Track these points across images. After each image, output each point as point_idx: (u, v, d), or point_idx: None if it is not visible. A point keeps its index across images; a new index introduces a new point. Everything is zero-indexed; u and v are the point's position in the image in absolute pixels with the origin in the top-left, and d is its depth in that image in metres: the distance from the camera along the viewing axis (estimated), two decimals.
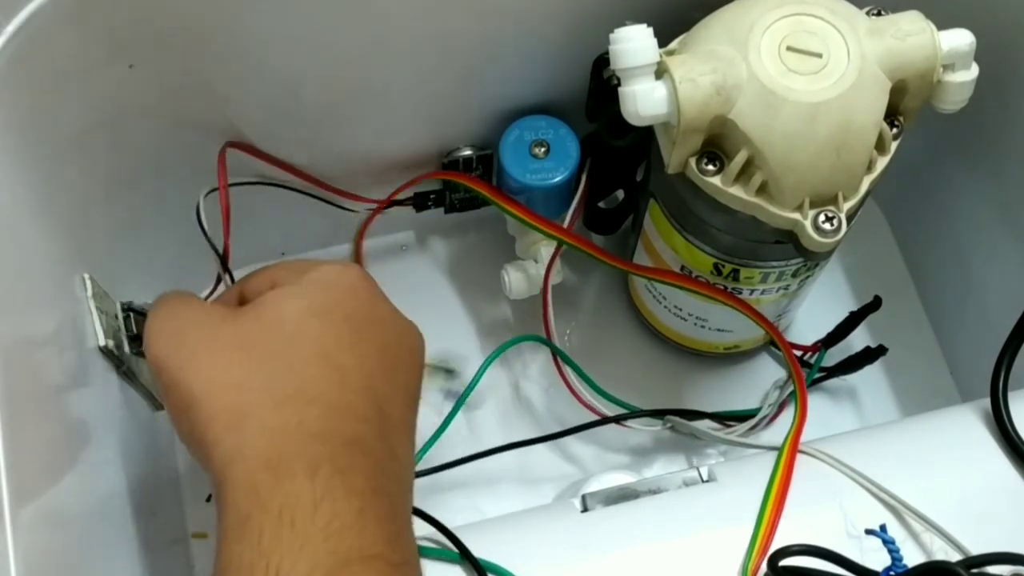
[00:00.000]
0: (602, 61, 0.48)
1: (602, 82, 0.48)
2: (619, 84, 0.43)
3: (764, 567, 0.41)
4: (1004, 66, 0.49)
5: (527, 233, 0.56)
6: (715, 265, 0.50)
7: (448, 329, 0.61)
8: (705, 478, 0.46)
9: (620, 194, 0.57)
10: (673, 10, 0.46)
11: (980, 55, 0.43)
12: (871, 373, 0.60)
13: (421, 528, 0.43)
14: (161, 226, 0.52)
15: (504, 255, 0.58)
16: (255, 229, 0.54)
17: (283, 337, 0.37)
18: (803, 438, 0.46)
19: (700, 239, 0.49)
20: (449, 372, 0.59)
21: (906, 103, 0.44)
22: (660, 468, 0.58)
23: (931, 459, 0.45)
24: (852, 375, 0.60)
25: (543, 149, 0.53)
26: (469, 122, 0.55)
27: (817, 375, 0.59)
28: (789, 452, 0.45)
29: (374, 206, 0.57)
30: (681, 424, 0.56)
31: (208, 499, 0.56)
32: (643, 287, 0.58)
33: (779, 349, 0.55)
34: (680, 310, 0.56)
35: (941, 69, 0.43)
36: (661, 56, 0.42)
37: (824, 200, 0.43)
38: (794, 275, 0.50)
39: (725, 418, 0.57)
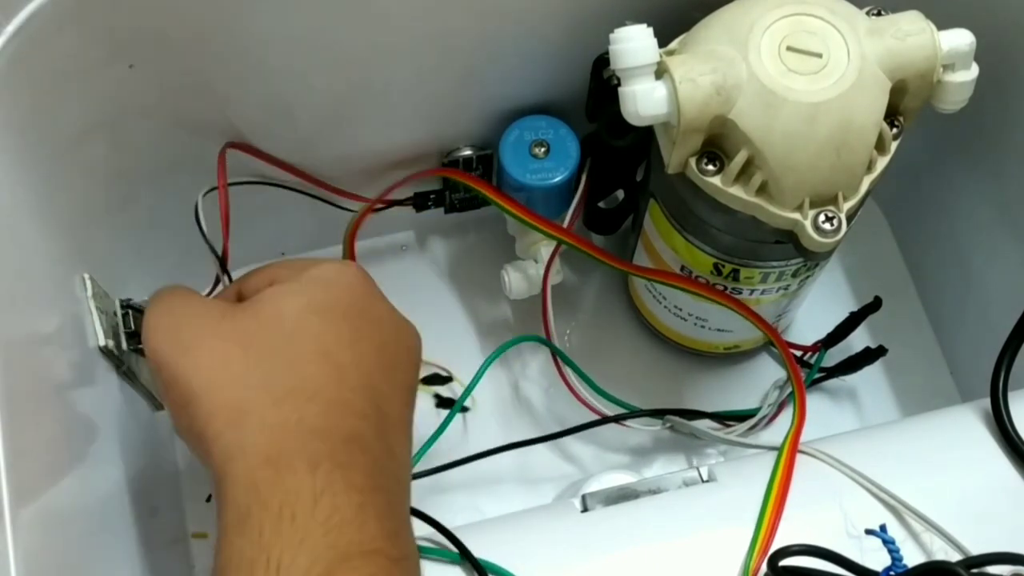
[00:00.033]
0: (602, 61, 0.48)
1: (602, 82, 0.48)
2: (619, 84, 0.43)
3: (764, 567, 0.41)
4: (1004, 66, 0.49)
5: (527, 233, 0.56)
6: (715, 265, 0.50)
7: (448, 329, 0.61)
8: (705, 478, 0.46)
9: (620, 194, 0.57)
10: (673, 10, 0.46)
11: (980, 55, 0.43)
12: (871, 373, 0.60)
13: (421, 528, 0.43)
14: (161, 226, 0.52)
15: (504, 255, 0.58)
16: (255, 229, 0.54)
17: (282, 334, 0.37)
18: (803, 438, 0.46)
19: (700, 239, 0.49)
20: (443, 380, 0.59)
21: (906, 103, 0.44)
22: (660, 468, 0.58)
23: (931, 459, 0.45)
24: (852, 375, 0.60)
25: (543, 149, 0.53)
26: (469, 122, 0.55)
27: (817, 375, 0.59)
28: (789, 452, 0.45)
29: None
30: (681, 424, 0.56)
31: (208, 499, 0.56)
32: (643, 287, 0.58)
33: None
34: (680, 310, 0.56)
35: (941, 69, 0.43)
36: (661, 56, 0.42)
37: (824, 200, 0.43)
38: (794, 275, 0.50)
39: (725, 418, 0.57)
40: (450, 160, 0.56)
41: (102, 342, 0.43)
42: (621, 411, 0.55)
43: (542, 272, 0.55)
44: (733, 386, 0.61)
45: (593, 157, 0.53)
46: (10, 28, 0.38)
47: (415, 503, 0.39)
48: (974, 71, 0.43)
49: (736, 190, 0.43)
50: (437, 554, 0.43)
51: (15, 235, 0.38)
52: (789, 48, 0.42)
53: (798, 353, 0.58)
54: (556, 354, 0.55)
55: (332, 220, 0.55)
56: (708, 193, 0.44)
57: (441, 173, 0.56)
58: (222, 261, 0.48)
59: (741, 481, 0.45)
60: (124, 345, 0.44)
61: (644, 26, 0.42)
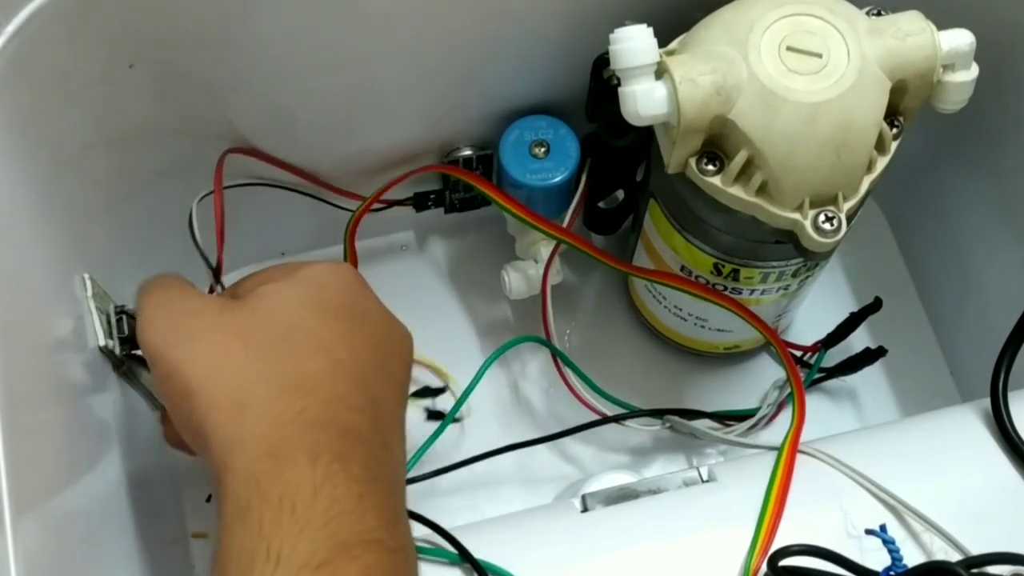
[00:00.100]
0: (602, 61, 0.48)
1: (602, 82, 0.48)
2: (619, 84, 0.43)
3: (764, 567, 0.41)
4: (1004, 66, 0.49)
5: (527, 233, 0.56)
6: (715, 265, 0.50)
7: (448, 329, 0.61)
8: (705, 478, 0.46)
9: (620, 194, 0.57)
10: (673, 10, 0.46)
11: (980, 55, 0.43)
12: (871, 373, 0.60)
13: (421, 529, 0.43)
14: (161, 225, 0.52)
15: (504, 255, 0.58)
16: (254, 229, 0.54)
17: (280, 328, 0.38)
18: (803, 438, 0.46)
19: (700, 239, 0.49)
20: (435, 392, 0.58)
21: (906, 103, 0.44)
22: (660, 468, 0.58)
23: (931, 459, 0.45)
24: (852, 375, 0.60)
25: (543, 149, 0.53)
26: (469, 122, 0.55)
27: (817, 375, 0.59)
28: (789, 452, 0.45)
29: (374, 206, 0.57)
30: (681, 424, 0.56)
31: (208, 499, 0.56)
32: (643, 287, 0.58)
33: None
34: (680, 310, 0.56)
35: (941, 69, 0.43)
36: (661, 56, 0.42)
37: (824, 200, 0.43)
38: (794, 275, 0.50)
39: (725, 418, 0.57)
40: (450, 160, 0.56)
41: (102, 342, 0.43)
42: (621, 411, 0.55)
43: (542, 272, 0.55)
44: (733, 386, 0.61)
45: (593, 157, 0.53)
46: (10, 28, 0.38)
47: (415, 505, 0.39)
48: (974, 71, 0.43)
49: (736, 190, 0.43)
50: (437, 555, 0.43)
51: (15, 235, 0.38)
52: (789, 48, 0.42)
53: (798, 353, 0.58)
54: (556, 354, 0.55)
55: (332, 220, 0.55)
56: (708, 193, 0.44)
57: (441, 170, 0.56)
58: (216, 272, 0.48)
59: (741, 481, 0.45)
60: (117, 351, 0.44)
61: (644, 26, 0.42)
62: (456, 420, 0.57)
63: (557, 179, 0.53)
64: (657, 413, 0.56)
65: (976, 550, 0.40)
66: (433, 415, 0.57)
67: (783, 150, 0.41)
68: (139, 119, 0.47)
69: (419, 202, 0.58)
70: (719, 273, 0.50)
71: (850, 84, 0.41)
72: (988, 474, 0.44)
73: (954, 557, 0.40)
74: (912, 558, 0.40)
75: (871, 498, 0.43)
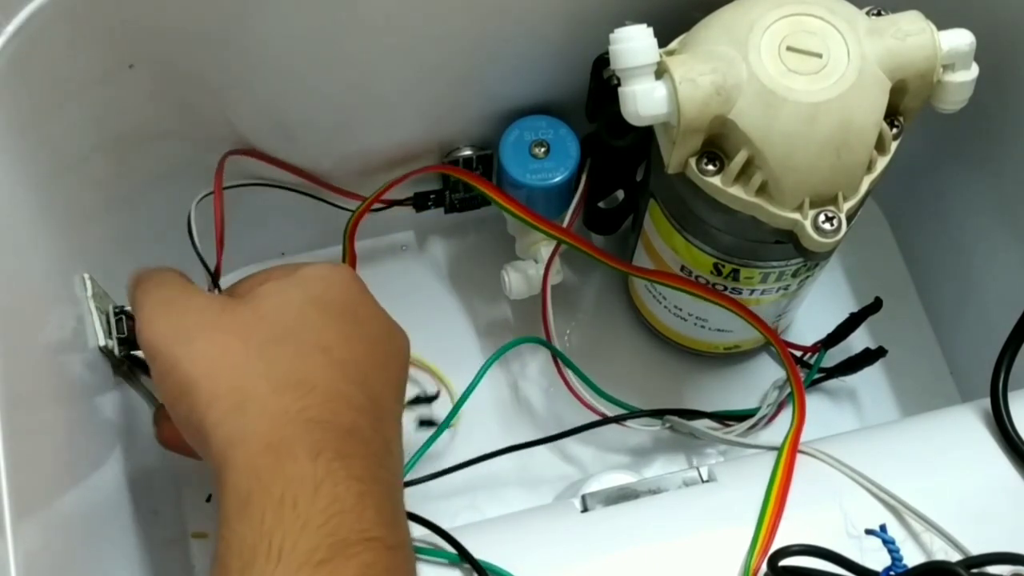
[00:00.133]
0: (602, 61, 0.48)
1: (602, 82, 0.48)
2: (619, 84, 0.43)
3: (764, 567, 0.41)
4: (1004, 66, 0.49)
5: (527, 233, 0.56)
6: (715, 265, 0.50)
7: (448, 329, 0.61)
8: (705, 478, 0.46)
9: (620, 194, 0.57)
10: (673, 10, 0.46)
11: (980, 55, 0.43)
12: (871, 373, 0.60)
13: (421, 530, 0.43)
14: (161, 225, 0.52)
15: (504, 255, 0.58)
16: (254, 230, 0.54)
17: (282, 327, 0.38)
18: (803, 438, 0.46)
19: (700, 239, 0.49)
20: (428, 400, 0.58)
21: (906, 103, 0.44)
22: (660, 468, 0.58)
23: (931, 459, 0.45)
24: (852, 375, 0.60)
25: (543, 149, 0.53)
26: (469, 122, 0.55)
27: (817, 376, 0.59)
28: (789, 452, 0.45)
29: (374, 206, 0.57)
30: (680, 424, 0.56)
31: (208, 499, 0.56)
32: (643, 287, 0.58)
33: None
34: (680, 310, 0.56)
35: (941, 69, 0.43)
36: (661, 56, 0.42)
37: (824, 200, 0.43)
38: (794, 275, 0.50)
39: (724, 418, 0.57)
40: (450, 160, 0.56)
41: (102, 342, 0.43)
42: (621, 411, 0.55)
43: (542, 272, 0.55)
44: (733, 386, 0.61)
45: (593, 157, 0.53)
46: (10, 28, 0.38)
47: (415, 506, 0.39)
48: (974, 71, 0.43)
49: (736, 190, 0.43)
50: (437, 555, 0.43)
51: (15, 235, 0.38)
52: (789, 48, 0.42)
53: (798, 353, 0.58)
54: (556, 355, 0.55)
55: (332, 220, 0.55)
56: (708, 193, 0.44)
57: (441, 170, 0.56)
58: (214, 276, 0.48)
59: (741, 481, 0.45)
60: (116, 351, 0.44)
61: (644, 26, 0.42)
62: (450, 427, 0.56)
63: (557, 179, 0.53)
64: (657, 413, 0.56)
65: (976, 550, 0.40)
66: (425, 423, 0.56)
67: (783, 150, 0.41)
68: (139, 119, 0.47)
69: (419, 202, 0.58)
70: (719, 273, 0.50)
71: (850, 84, 0.41)
72: (988, 474, 0.44)
73: (954, 557, 0.40)
74: (912, 558, 0.40)
75: (871, 498, 0.43)
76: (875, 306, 0.59)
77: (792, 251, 0.45)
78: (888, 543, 0.41)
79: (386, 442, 0.37)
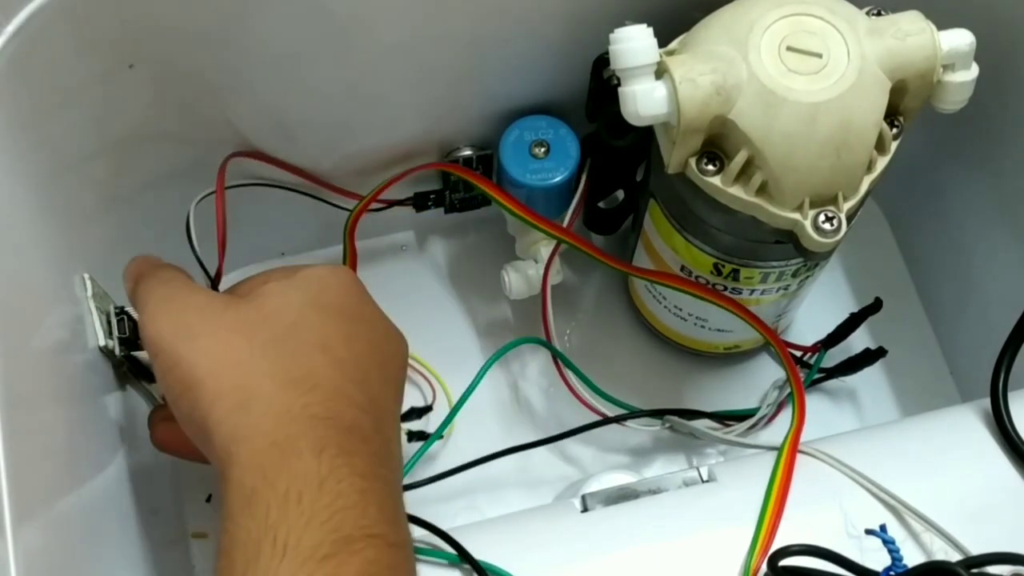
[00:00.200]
0: (602, 61, 0.48)
1: (602, 82, 0.48)
2: (619, 84, 0.43)
3: (764, 567, 0.41)
4: (1004, 66, 0.49)
5: (527, 233, 0.56)
6: (715, 265, 0.50)
7: (448, 329, 0.61)
8: (705, 478, 0.46)
9: (620, 194, 0.57)
10: (673, 10, 0.46)
11: (980, 55, 0.43)
12: (871, 373, 0.60)
13: (420, 531, 0.43)
14: (161, 226, 0.52)
15: (504, 255, 0.58)
16: (254, 230, 0.54)
17: (285, 325, 0.38)
18: (803, 438, 0.46)
19: (700, 239, 0.49)
20: (421, 412, 0.57)
21: (906, 103, 0.44)
22: (660, 468, 0.58)
23: (931, 459, 0.45)
24: (852, 375, 0.60)
25: (543, 149, 0.53)
26: (469, 122, 0.55)
27: (817, 376, 0.59)
28: (789, 452, 0.45)
29: (374, 205, 0.57)
30: (680, 424, 0.56)
31: (208, 499, 0.56)
32: (643, 287, 0.58)
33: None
34: (680, 310, 0.56)
35: (941, 69, 0.43)
36: (661, 56, 0.42)
37: (824, 200, 0.43)
38: (794, 275, 0.50)
39: (724, 418, 0.57)
40: (450, 160, 0.56)
41: (102, 342, 0.43)
42: (621, 411, 0.55)
43: (542, 272, 0.55)
44: (733, 386, 0.61)
45: (593, 157, 0.53)
46: (10, 28, 0.38)
47: (415, 507, 0.39)
48: (974, 71, 0.43)
49: (736, 190, 0.43)
50: (437, 556, 0.43)
51: (15, 235, 0.38)
52: (789, 48, 0.42)
53: (798, 353, 0.58)
54: (556, 355, 0.55)
55: (332, 220, 0.55)
56: (708, 193, 0.44)
57: (441, 167, 0.56)
58: (213, 281, 0.48)
59: (741, 481, 0.45)
60: (117, 351, 0.44)
61: (644, 26, 0.42)
62: (441, 438, 0.56)
63: (557, 179, 0.53)
64: (657, 413, 0.56)
65: (976, 550, 0.40)
66: (415, 436, 0.56)
67: (783, 150, 0.41)
68: (139, 119, 0.47)
69: (419, 202, 0.58)
70: (719, 273, 0.50)
71: (850, 84, 0.41)
72: (988, 474, 0.44)
73: (954, 557, 0.40)
74: (912, 558, 0.40)
75: (871, 498, 0.43)
76: (875, 306, 0.59)
77: (792, 251, 0.45)
78: (888, 543, 0.41)
79: (386, 441, 0.38)
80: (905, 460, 0.45)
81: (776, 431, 0.56)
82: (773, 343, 0.54)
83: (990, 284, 0.57)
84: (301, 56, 0.47)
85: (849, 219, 0.43)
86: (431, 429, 0.56)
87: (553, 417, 0.59)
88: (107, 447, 0.45)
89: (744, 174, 0.43)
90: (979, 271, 0.58)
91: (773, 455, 0.45)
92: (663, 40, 0.43)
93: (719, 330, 0.56)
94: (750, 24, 0.42)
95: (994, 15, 0.48)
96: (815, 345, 0.59)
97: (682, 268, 0.52)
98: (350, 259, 0.54)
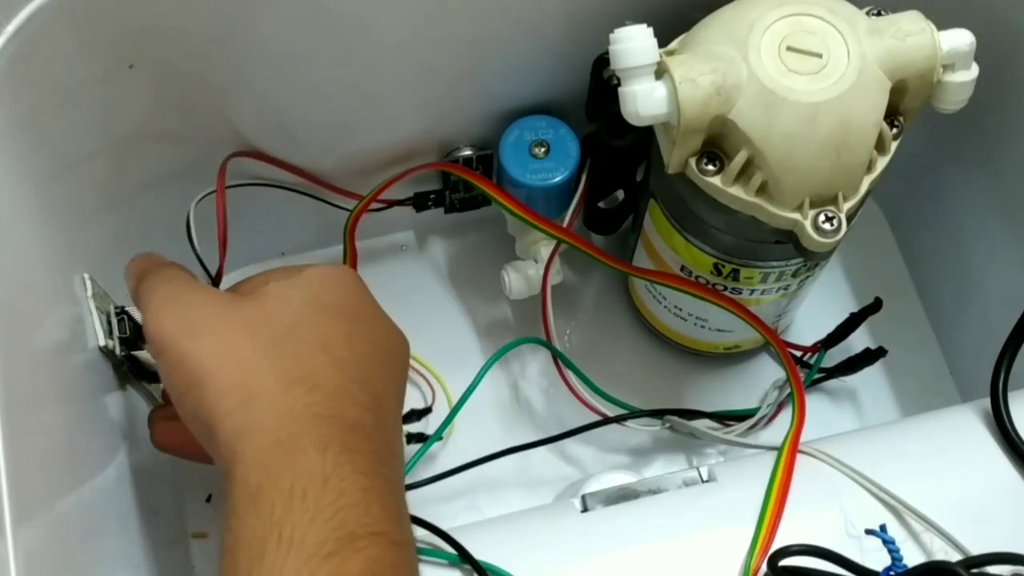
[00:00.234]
0: (602, 61, 0.48)
1: (602, 82, 0.48)
2: (619, 84, 0.43)
3: (764, 567, 0.41)
4: (1004, 66, 0.49)
5: (527, 233, 0.56)
6: (715, 265, 0.50)
7: (448, 329, 0.61)
8: (705, 478, 0.46)
9: (620, 194, 0.57)
10: (673, 10, 0.46)
11: (980, 55, 0.43)
12: (871, 373, 0.60)
13: (420, 531, 0.43)
14: (161, 226, 0.52)
15: (504, 255, 0.58)
16: (254, 230, 0.54)
17: (287, 324, 0.38)
18: (803, 438, 0.46)
19: (700, 239, 0.49)
20: (420, 414, 0.57)
21: (906, 103, 0.44)
22: (660, 468, 0.58)
23: (931, 459, 0.45)
24: (852, 375, 0.60)
25: (543, 149, 0.53)
26: (469, 122, 0.55)
27: (817, 376, 0.59)
28: (789, 452, 0.45)
29: (374, 205, 0.57)
30: (680, 424, 0.56)
31: (208, 499, 0.56)
32: (643, 287, 0.58)
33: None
34: (680, 310, 0.56)
35: (941, 69, 0.43)
36: (661, 56, 0.42)
37: (824, 200, 0.43)
38: (794, 275, 0.50)
39: (724, 418, 0.57)
40: (450, 160, 0.56)
41: (102, 342, 0.43)
42: (621, 411, 0.55)
43: (542, 272, 0.55)
44: (733, 386, 0.61)
45: (593, 157, 0.53)
46: (10, 28, 0.38)
47: (415, 507, 0.39)
48: (974, 71, 0.43)
49: (736, 190, 0.43)
50: (437, 556, 0.43)
51: (15, 235, 0.38)
52: (789, 48, 0.42)
53: (798, 353, 0.58)
54: (556, 355, 0.55)
55: (332, 220, 0.55)
56: (708, 193, 0.44)
57: (441, 167, 0.56)
58: (214, 281, 0.48)
59: (741, 481, 0.45)
60: (118, 351, 0.44)
61: (644, 26, 0.42)
62: (440, 439, 0.56)
63: (557, 179, 0.53)
64: (657, 413, 0.56)
65: (976, 550, 0.40)
66: (414, 438, 0.56)
67: (783, 150, 0.41)
68: (139, 119, 0.47)
69: (419, 202, 0.58)
70: (719, 273, 0.50)
71: (850, 84, 0.41)
72: (988, 474, 0.44)
73: (954, 557, 0.40)
74: (912, 558, 0.40)
75: (871, 498, 0.43)
76: (875, 306, 0.59)
77: (792, 251, 0.45)
78: (888, 543, 0.41)
79: (388, 440, 0.38)
80: (905, 460, 0.45)
81: (776, 431, 0.56)
82: (773, 343, 0.54)
83: (990, 284, 0.57)
84: (301, 56, 0.47)
85: (849, 219, 0.43)
86: (430, 430, 0.56)
87: (553, 417, 0.59)
88: (107, 447, 0.45)
89: (744, 174, 0.43)
90: (979, 271, 0.58)
91: (773, 455, 0.45)
92: (663, 40, 0.43)
93: (719, 330, 0.56)
94: (750, 24, 0.42)
95: (994, 15, 0.48)
96: (815, 345, 0.59)
97: (682, 268, 0.52)
98: (350, 259, 0.54)
